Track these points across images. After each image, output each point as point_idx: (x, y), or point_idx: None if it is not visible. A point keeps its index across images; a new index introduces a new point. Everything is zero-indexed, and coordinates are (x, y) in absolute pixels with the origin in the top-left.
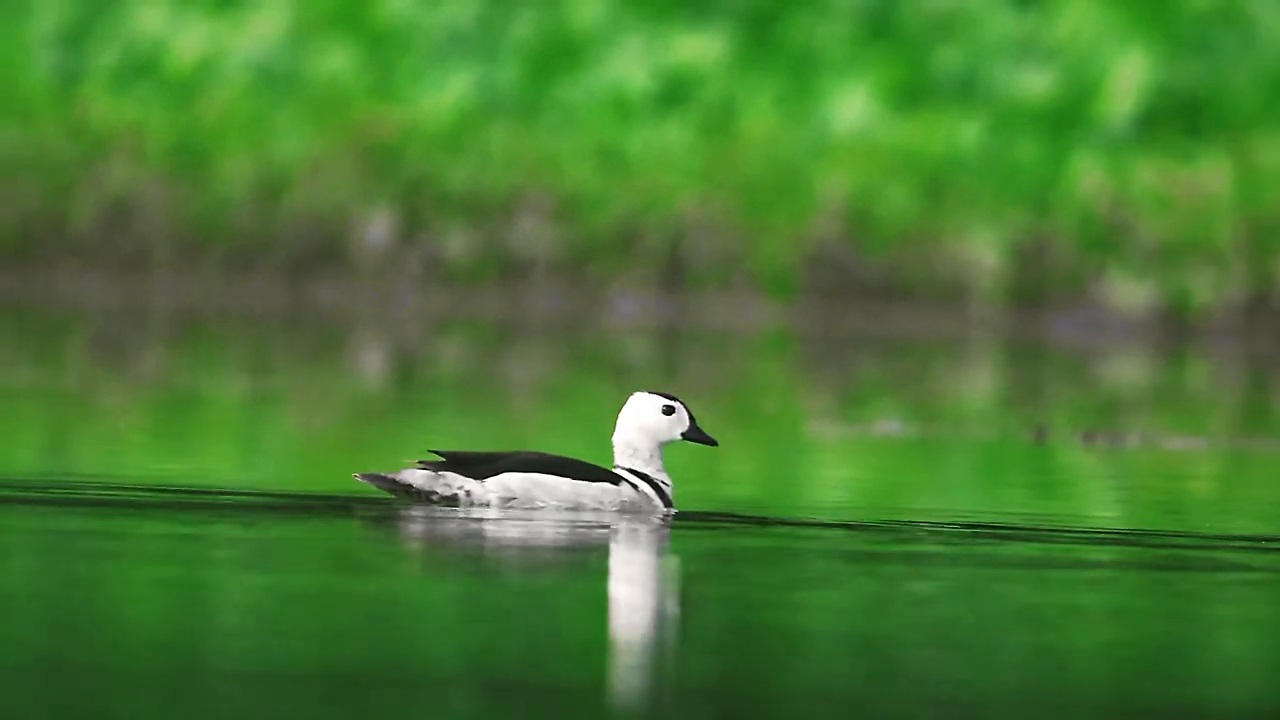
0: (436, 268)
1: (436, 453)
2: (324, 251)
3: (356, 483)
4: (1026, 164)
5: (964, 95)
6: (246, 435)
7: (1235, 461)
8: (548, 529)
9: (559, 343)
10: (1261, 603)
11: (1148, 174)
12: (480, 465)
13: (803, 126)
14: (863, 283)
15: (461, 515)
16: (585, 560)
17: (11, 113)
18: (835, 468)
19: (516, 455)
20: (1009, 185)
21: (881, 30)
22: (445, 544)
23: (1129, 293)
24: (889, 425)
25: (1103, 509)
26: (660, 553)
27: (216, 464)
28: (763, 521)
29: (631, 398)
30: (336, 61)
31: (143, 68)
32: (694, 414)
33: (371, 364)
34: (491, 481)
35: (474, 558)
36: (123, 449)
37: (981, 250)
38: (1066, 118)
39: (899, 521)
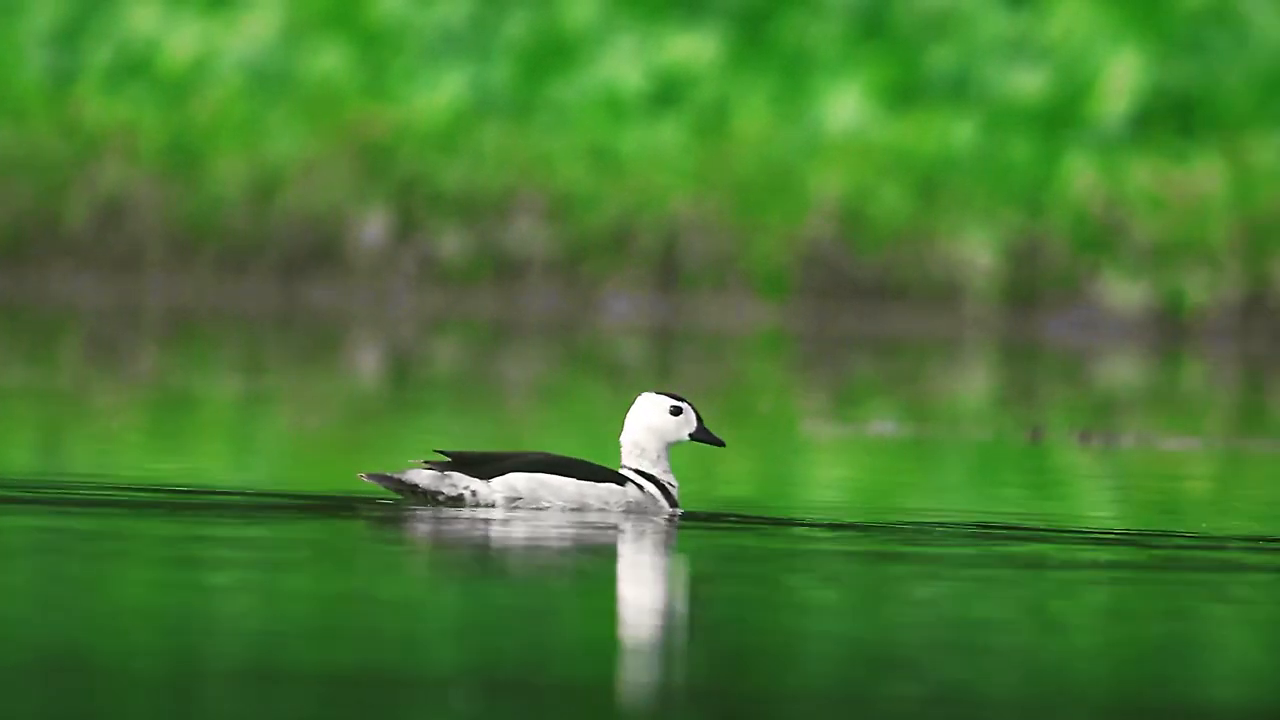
0: (431, 267)
1: (442, 452)
2: (318, 251)
3: (360, 482)
4: (1020, 164)
5: (957, 95)
6: (240, 435)
7: (1230, 462)
8: (553, 529)
9: (553, 343)
10: (1257, 602)
11: (1141, 174)
12: (486, 465)
13: (796, 126)
14: (856, 283)
15: (467, 515)
16: (587, 560)
17: (4, 112)
18: (830, 468)
19: (522, 455)
20: (1002, 185)
21: (874, 30)
22: (449, 544)
23: (1123, 293)
24: (884, 425)
25: (1098, 509)
26: (663, 553)
27: (211, 464)
28: (769, 522)
29: (639, 398)
30: (329, 61)
31: (136, 67)
32: (701, 414)
33: (366, 364)
34: (497, 481)
35: (476, 557)
36: (116, 449)
37: (975, 250)
38: (1060, 117)
39: (895, 522)
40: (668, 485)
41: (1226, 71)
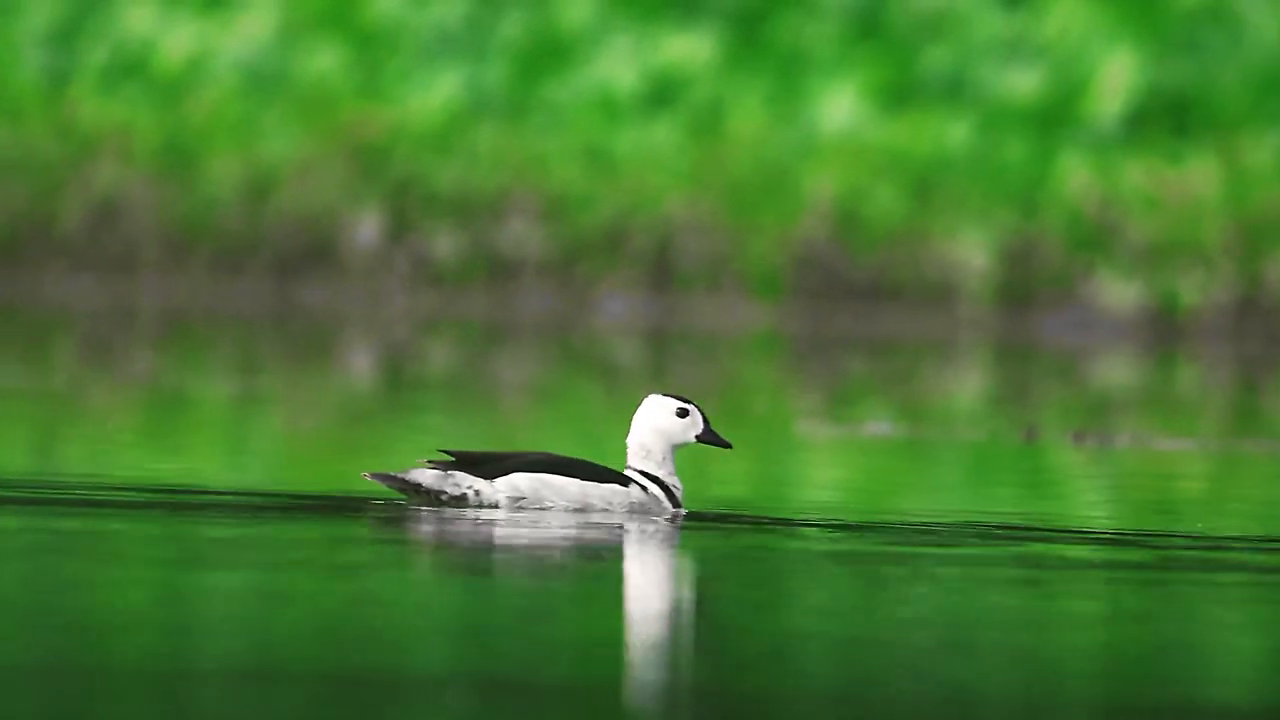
0: (425, 268)
1: (446, 452)
2: (312, 252)
3: (357, 482)
4: (1014, 164)
5: (952, 95)
6: (235, 436)
7: (1225, 462)
8: (555, 529)
9: (548, 343)
10: (1252, 602)
11: (1136, 174)
12: (489, 465)
13: (791, 127)
14: (851, 283)
15: (470, 515)
16: (587, 561)
17: (0, 112)
18: (826, 468)
19: (526, 455)
20: (997, 185)
21: (870, 30)
22: (451, 543)
23: (1118, 293)
24: (879, 426)
25: (1093, 509)
26: (664, 554)
27: (205, 464)
28: (771, 522)
29: (646, 400)
30: (324, 62)
31: (131, 68)
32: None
33: (360, 364)
34: (501, 481)
35: (477, 557)
36: (111, 449)
37: (970, 250)
38: (1054, 117)
39: (890, 523)
40: (672, 487)
41: (1221, 72)
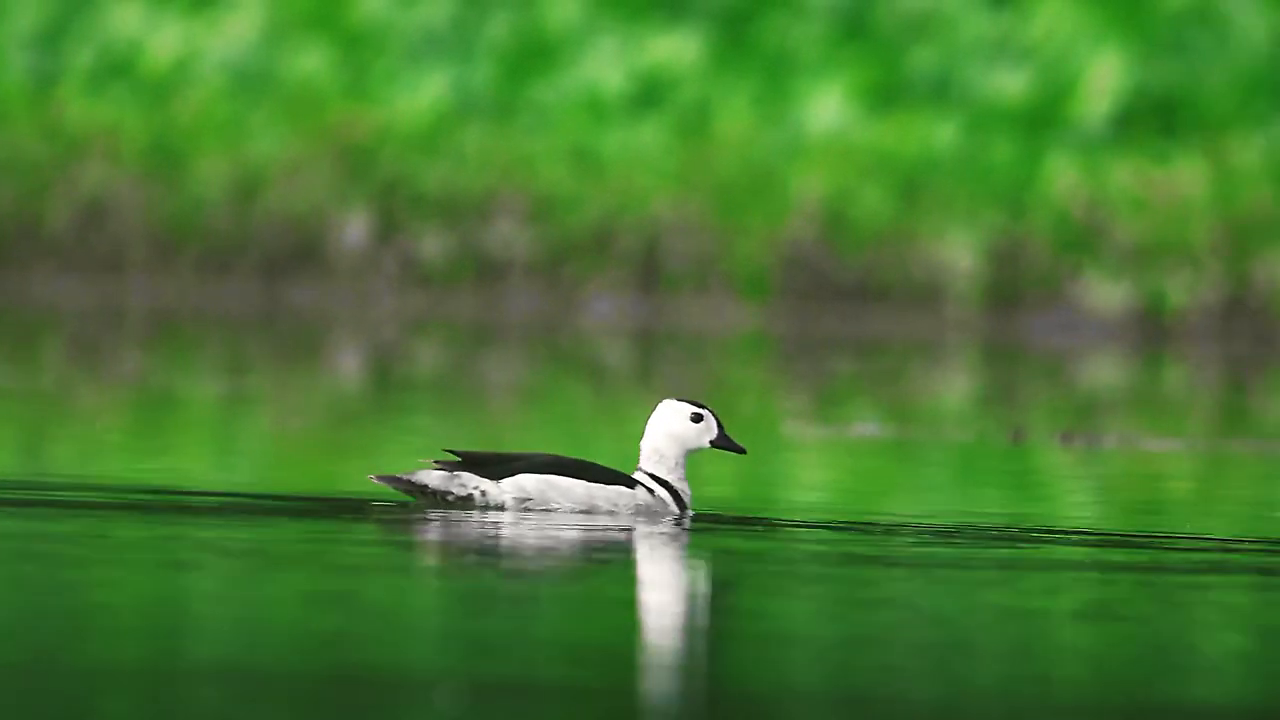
0: (412, 269)
1: (452, 452)
2: (299, 252)
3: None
4: (1002, 165)
5: (939, 96)
6: (223, 436)
7: (1212, 462)
8: (560, 531)
9: (535, 344)
10: (1239, 603)
11: (1123, 175)
12: (496, 466)
13: (778, 128)
14: (838, 284)
15: (477, 516)
16: (586, 561)
17: None
18: (813, 469)
19: (533, 456)
20: (984, 186)
21: (856, 31)
22: (443, 543)
23: (1105, 294)
24: (866, 427)
25: (1080, 510)
26: (663, 555)
27: (193, 465)
28: (761, 524)
29: (660, 405)
30: (311, 62)
31: (118, 68)
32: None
33: (348, 365)
34: (507, 482)
35: (470, 558)
36: (99, 450)
37: (957, 251)
38: (1042, 118)
39: (876, 524)
40: (680, 491)
41: (1208, 72)
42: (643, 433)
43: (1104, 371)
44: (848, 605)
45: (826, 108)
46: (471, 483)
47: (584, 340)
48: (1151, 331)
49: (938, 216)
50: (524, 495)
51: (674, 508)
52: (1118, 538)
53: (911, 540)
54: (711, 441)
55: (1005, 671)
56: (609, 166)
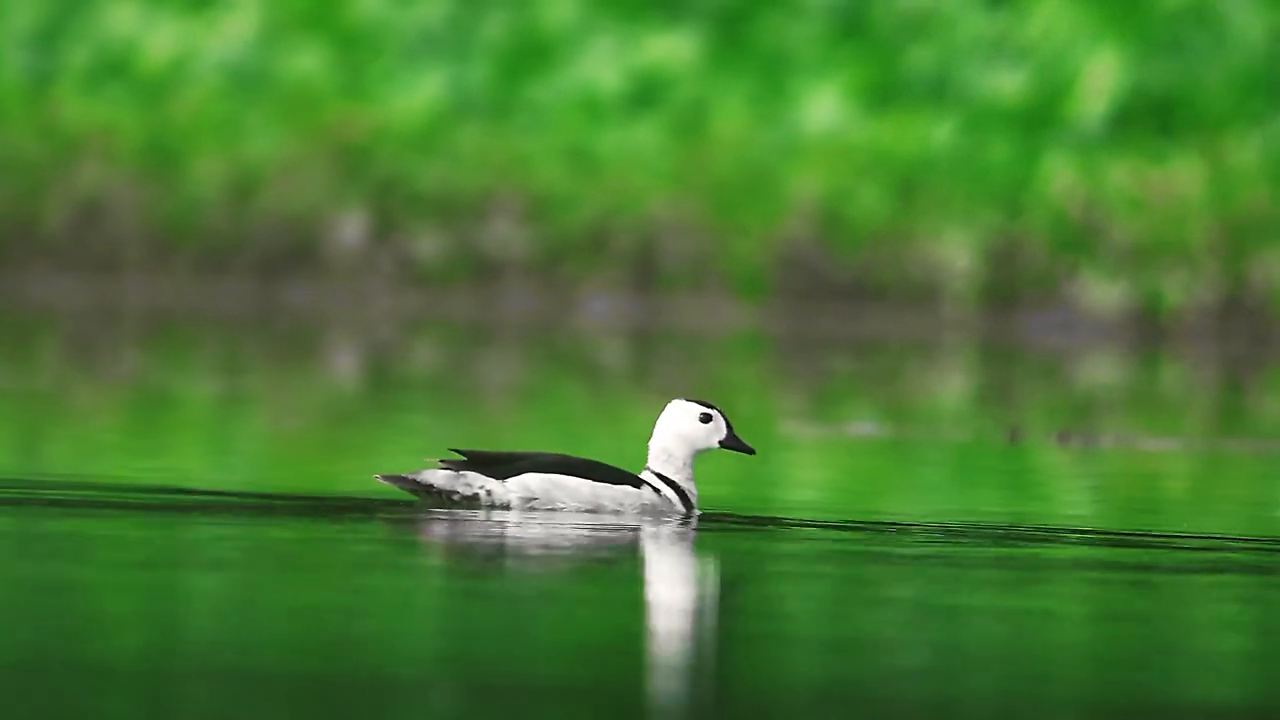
0: (408, 268)
1: (458, 451)
2: (296, 252)
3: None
4: (998, 164)
5: (936, 95)
6: (219, 436)
7: (1209, 462)
8: (566, 530)
9: (531, 344)
10: (1236, 603)
11: (1120, 174)
12: (501, 465)
13: (774, 127)
14: (835, 284)
15: (482, 516)
16: (590, 561)
17: None
18: (810, 469)
19: (538, 456)
20: (981, 186)
21: (853, 30)
22: (448, 542)
23: (1101, 293)
24: (863, 426)
25: (1077, 509)
26: (667, 554)
27: (189, 464)
28: (758, 523)
29: (669, 405)
30: (308, 62)
31: (114, 68)
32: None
33: (344, 365)
34: (512, 482)
35: (475, 557)
36: (95, 450)
37: (954, 251)
38: (1038, 118)
39: (874, 523)
40: (687, 491)
41: (1205, 72)
42: (650, 432)
43: (1101, 371)
44: (843, 604)
45: (823, 107)
46: (477, 482)
47: (580, 340)
48: (1148, 331)
49: (935, 216)
50: (529, 495)
51: (680, 507)
52: (1115, 537)
53: (907, 540)
54: (720, 442)
55: (1002, 670)
56: (605, 166)
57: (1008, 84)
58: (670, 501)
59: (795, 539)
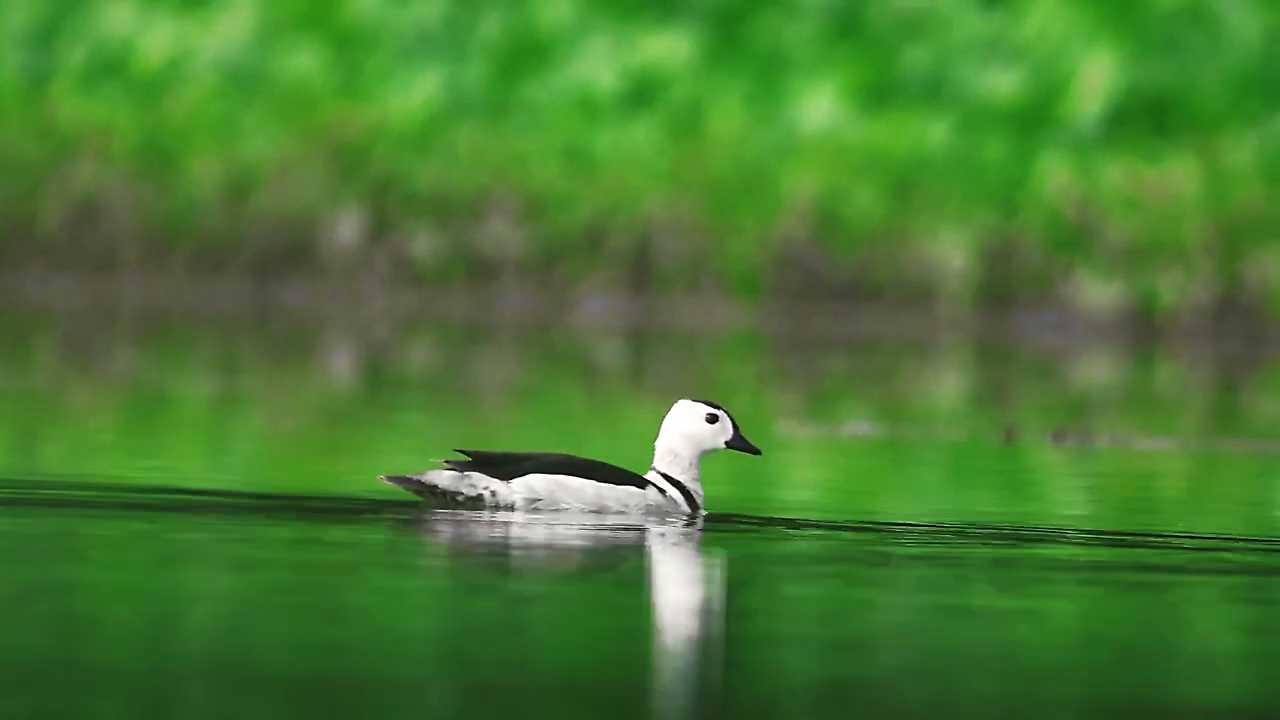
0: (405, 268)
1: (463, 452)
2: (292, 252)
3: (381, 484)
4: (994, 164)
5: (931, 95)
6: (215, 436)
7: (1204, 462)
8: (570, 531)
9: (527, 343)
10: (1231, 602)
11: (1115, 174)
12: (506, 466)
13: (770, 127)
14: (831, 283)
15: (487, 517)
16: (594, 562)
17: None
18: (806, 468)
19: (543, 456)
20: (977, 185)
21: (849, 30)
22: (452, 543)
23: (1097, 293)
24: (858, 426)
25: (1073, 509)
26: (671, 554)
27: (185, 464)
28: (754, 523)
29: (675, 405)
30: (304, 61)
31: (110, 67)
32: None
33: (340, 364)
34: (517, 482)
35: (479, 558)
36: (91, 449)
37: (949, 250)
38: (1034, 118)
39: (869, 523)
40: (693, 491)
41: (1201, 71)
42: (654, 432)
43: (1096, 370)
44: (838, 604)
45: (819, 107)
46: (481, 483)
47: (576, 339)
48: (1143, 330)
49: (930, 215)
50: (534, 495)
51: (685, 508)
52: (1110, 537)
53: (902, 540)
54: (727, 442)
55: (998, 670)
56: (601, 165)
57: (1003, 84)
58: (675, 502)
59: (796, 539)
